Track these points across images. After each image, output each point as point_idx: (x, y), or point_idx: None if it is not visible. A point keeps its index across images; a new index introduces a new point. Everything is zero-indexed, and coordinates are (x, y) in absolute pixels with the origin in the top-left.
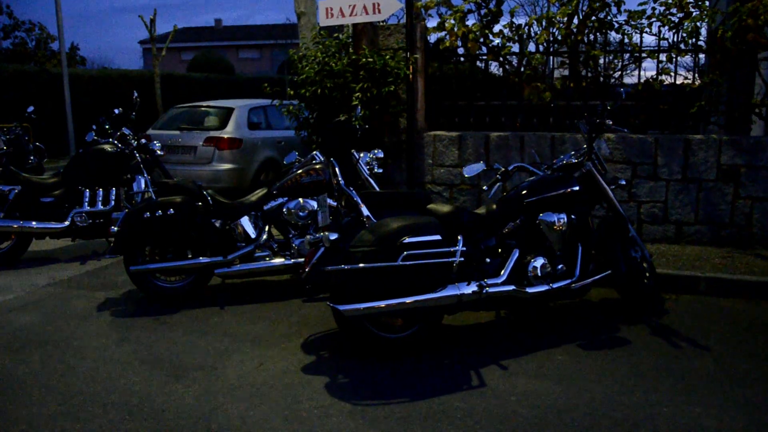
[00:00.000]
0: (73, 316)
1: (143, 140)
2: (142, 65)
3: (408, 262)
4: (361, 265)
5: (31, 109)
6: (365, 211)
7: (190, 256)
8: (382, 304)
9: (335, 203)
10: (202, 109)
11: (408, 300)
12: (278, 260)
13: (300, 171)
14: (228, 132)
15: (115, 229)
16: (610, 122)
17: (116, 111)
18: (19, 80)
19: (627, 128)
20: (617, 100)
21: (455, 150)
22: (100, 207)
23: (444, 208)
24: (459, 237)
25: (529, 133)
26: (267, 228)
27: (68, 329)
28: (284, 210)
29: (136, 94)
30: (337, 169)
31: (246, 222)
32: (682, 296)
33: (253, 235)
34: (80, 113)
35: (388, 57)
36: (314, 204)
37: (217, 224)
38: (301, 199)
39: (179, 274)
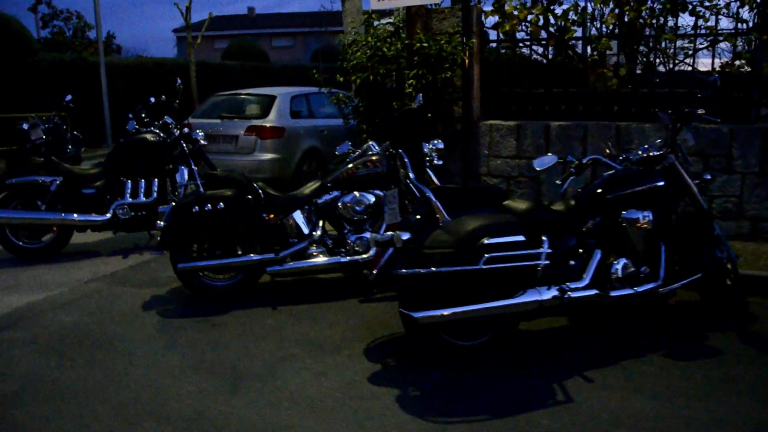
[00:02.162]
0: (118, 316)
1: (186, 129)
2: (176, 54)
3: (490, 266)
4: (441, 269)
5: (69, 97)
6: (441, 209)
7: (240, 252)
8: (460, 310)
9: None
10: (243, 96)
11: (487, 306)
12: (333, 258)
13: (356, 162)
14: (270, 120)
15: (162, 223)
16: (702, 111)
17: (152, 99)
18: (57, 69)
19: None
20: (710, 88)
21: (513, 140)
22: (143, 199)
23: (522, 204)
24: (544, 238)
25: (593, 122)
26: (321, 223)
27: (114, 330)
28: (339, 204)
29: (179, 81)
30: (407, 162)
31: (299, 216)
32: None
33: (306, 231)
34: (116, 102)
35: (443, 42)
36: (371, 198)
37: (269, 219)
38: (357, 193)
39: (228, 272)
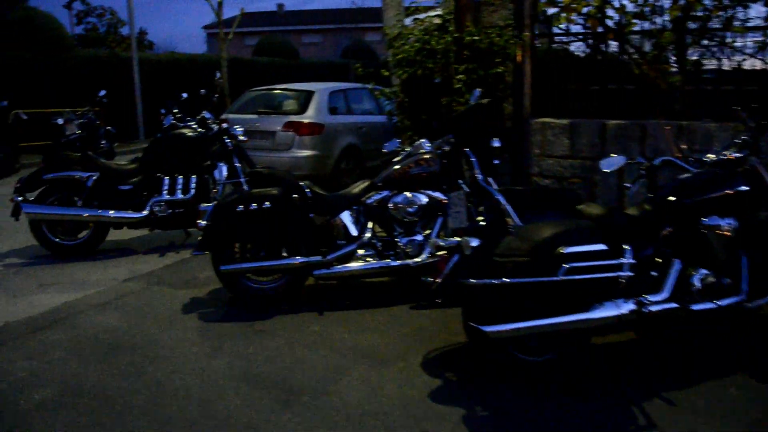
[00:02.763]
0: (157, 319)
1: (224, 125)
2: (205, 50)
3: (570, 277)
4: (515, 280)
5: (102, 92)
6: (512, 213)
7: (285, 254)
8: (535, 324)
9: (439, 196)
10: (281, 92)
11: (564, 321)
12: (383, 261)
13: (408, 161)
14: (309, 116)
15: (203, 222)
16: None
17: (184, 95)
18: (91, 65)
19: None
20: None
21: (566, 139)
22: (180, 196)
23: (596, 209)
24: (627, 246)
25: (652, 121)
26: (370, 224)
27: (154, 335)
28: (390, 204)
29: (218, 75)
30: (473, 161)
31: (347, 217)
32: None
33: (354, 233)
34: (149, 97)
35: (494, 35)
36: (423, 198)
37: (315, 220)
38: (408, 193)
39: (272, 274)
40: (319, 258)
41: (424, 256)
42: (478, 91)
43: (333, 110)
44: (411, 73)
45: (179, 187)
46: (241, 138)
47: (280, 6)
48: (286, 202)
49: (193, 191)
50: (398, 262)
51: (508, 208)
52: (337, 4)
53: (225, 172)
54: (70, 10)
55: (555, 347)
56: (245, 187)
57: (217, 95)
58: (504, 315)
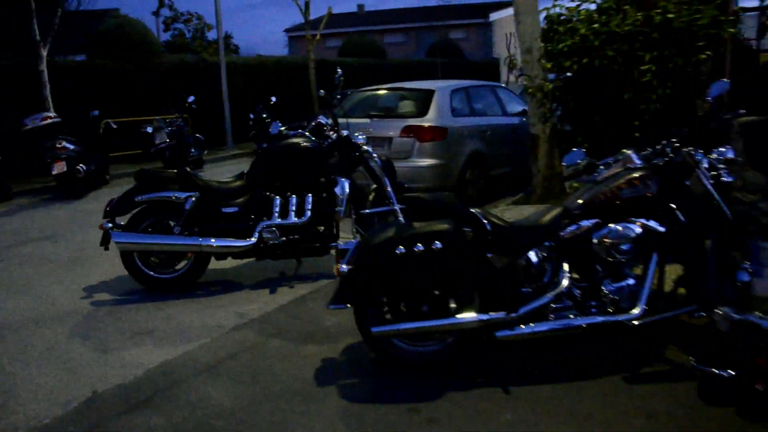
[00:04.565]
0: (285, 395)
1: (344, 132)
2: (287, 53)
3: None
4: None
5: (191, 99)
6: None
7: (453, 306)
8: None
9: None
10: (394, 92)
11: None
12: (587, 318)
13: (618, 180)
14: (430, 120)
15: (345, 267)
16: None
17: (273, 99)
18: (179, 71)
19: None
20: None
21: None
22: (294, 219)
23: None
24: None
25: None
26: (567, 267)
27: (285, 423)
28: (594, 239)
29: (340, 72)
30: None
31: (536, 257)
32: None
33: (545, 278)
34: (235, 102)
35: (693, 11)
36: (637, 230)
37: (496, 260)
38: (618, 226)
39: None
40: (503, 315)
41: (639, 309)
42: (724, 82)
43: (455, 112)
44: (587, 64)
45: (293, 208)
46: (365, 148)
47: (361, 6)
48: (461, 240)
49: (309, 213)
50: (607, 318)
51: None
52: (418, 3)
53: (347, 189)
54: (157, 17)
55: None
56: (400, 217)
57: (339, 96)
58: None
